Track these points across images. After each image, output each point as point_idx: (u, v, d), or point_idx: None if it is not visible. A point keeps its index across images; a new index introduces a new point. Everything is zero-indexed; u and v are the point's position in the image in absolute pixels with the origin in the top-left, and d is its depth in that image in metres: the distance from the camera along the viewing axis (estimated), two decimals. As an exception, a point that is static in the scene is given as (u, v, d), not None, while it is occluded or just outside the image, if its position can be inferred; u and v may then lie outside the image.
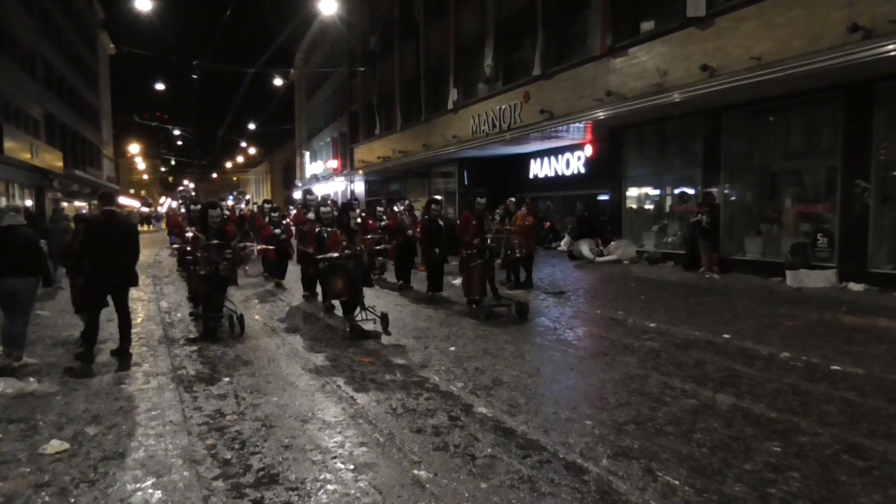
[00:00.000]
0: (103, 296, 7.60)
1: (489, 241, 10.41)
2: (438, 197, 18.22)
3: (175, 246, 11.28)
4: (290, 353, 7.96)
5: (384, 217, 15.01)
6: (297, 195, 50.64)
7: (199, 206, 10.28)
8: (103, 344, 8.12)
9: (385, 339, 8.69)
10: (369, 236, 11.84)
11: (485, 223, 10.60)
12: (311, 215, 12.33)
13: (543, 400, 5.87)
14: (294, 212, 17.48)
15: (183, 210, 17.69)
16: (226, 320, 9.33)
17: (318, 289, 12.20)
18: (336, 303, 10.27)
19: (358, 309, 9.15)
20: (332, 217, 10.34)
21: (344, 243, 9.08)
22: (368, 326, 9.17)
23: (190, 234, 9.95)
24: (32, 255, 7.54)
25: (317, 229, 10.53)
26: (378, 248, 11.41)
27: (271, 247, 13.85)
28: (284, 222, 15.31)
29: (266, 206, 16.56)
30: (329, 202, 12.55)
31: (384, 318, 9.13)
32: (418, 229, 13.10)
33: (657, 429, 5.06)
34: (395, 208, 15.47)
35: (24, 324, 7.56)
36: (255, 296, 13.32)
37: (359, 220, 10.27)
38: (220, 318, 9.18)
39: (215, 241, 9.01)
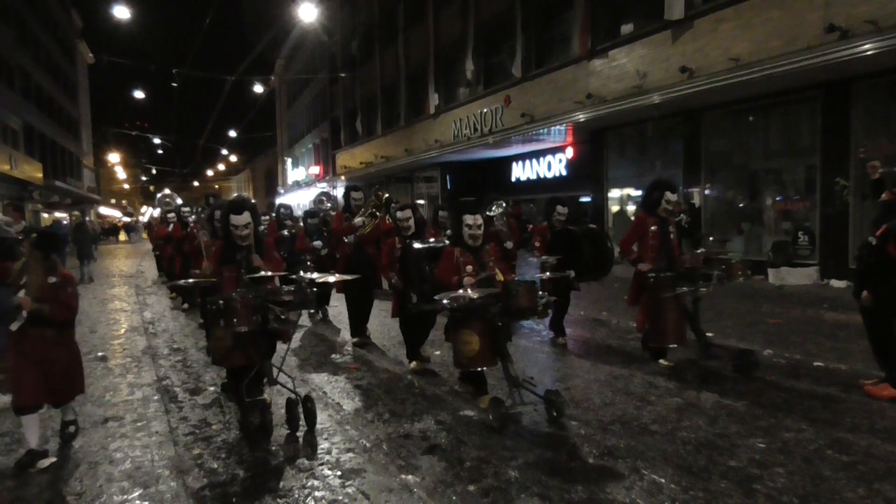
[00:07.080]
0: None
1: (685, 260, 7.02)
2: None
3: (189, 281, 6.91)
4: (273, 362, 7.89)
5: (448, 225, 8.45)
6: (279, 201, 50.01)
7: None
8: (88, 356, 8.04)
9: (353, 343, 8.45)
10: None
11: (670, 232, 7.02)
12: (358, 220, 8.43)
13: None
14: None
15: (172, 217, 12.93)
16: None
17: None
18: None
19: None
20: (422, 222, 7.13)
21: (470, 268, 5.59)
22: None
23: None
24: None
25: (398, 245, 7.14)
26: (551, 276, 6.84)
27: (350, 276, 6.94)
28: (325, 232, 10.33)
29: (283, 210, 12.43)
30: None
31: (553, 401, 5.28)
32: (537, 243, 8.76)
33: (642, 428, 5.09)
34: (490, 212, 9.87)
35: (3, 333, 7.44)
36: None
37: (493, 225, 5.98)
38: (263, 404, 5.20)
39: (253, 275, 5.29)
